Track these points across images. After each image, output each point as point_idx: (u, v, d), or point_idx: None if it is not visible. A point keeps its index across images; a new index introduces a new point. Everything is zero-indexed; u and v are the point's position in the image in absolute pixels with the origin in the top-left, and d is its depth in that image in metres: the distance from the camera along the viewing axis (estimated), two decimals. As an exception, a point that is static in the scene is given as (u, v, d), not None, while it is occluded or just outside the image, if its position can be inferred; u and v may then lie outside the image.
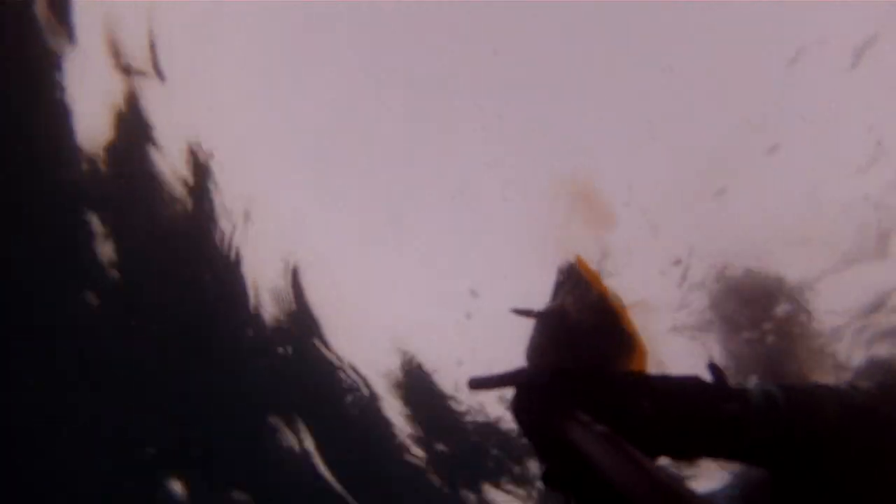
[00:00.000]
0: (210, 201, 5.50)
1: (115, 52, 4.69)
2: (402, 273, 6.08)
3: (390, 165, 5.66)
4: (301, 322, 6.26)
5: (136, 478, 6.93)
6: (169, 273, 5.84)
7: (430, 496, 7.22)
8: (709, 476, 5.73)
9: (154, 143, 5.16)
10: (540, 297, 1.22)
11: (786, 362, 4.63)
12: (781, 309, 4.57)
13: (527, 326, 1.16)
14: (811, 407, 1.01)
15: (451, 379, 6.21)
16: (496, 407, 6.33)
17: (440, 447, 6.78)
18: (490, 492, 6.95)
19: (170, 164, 5.27)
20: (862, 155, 4.26)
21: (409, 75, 5.25)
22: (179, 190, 5.42)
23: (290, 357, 6.53)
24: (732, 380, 1.02)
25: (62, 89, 4.66)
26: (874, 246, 4.34)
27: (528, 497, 6.84)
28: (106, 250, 5.59)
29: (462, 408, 6.43)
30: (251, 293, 6.05)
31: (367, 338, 6.24)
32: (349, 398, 6.68)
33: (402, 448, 6.88)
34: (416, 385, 6.42)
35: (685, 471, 5.23)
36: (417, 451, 6.88)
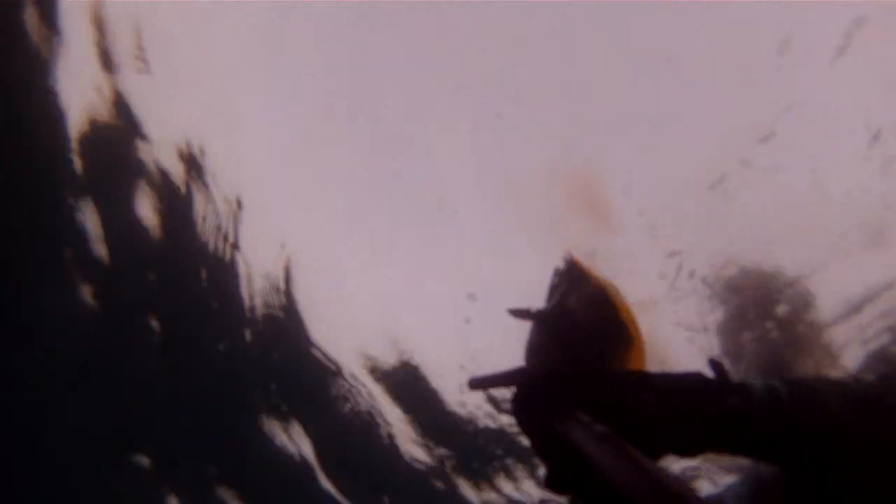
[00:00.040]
0: (202, 198, 5.52)
1: (104, 50, 4.71)
2: (399, 276, 6.07)
3: (385, 166, 5.67)
4: (294, 321, 6.28)
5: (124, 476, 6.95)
6: (160, 270, 5.87)
7: (429, 498, 7.21)
8: (717, 476, 5.73)
9: (144, 138, 5.17)
10: (537, 298, 1.21)
11: (787, 356, 4.62)
12: (782, 298, 4.57)
13: (526, 327, 1.16)
14: (815, 400, 1.00)
15: (452, 383, 6.20)
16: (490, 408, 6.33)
17: (441, 450, 6.74)
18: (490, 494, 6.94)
19: (160, 159, 5.29)
20: (859, 141, 4.27)
21: (409, 73, 5.25)
22: (170, 185, 5.43)
23: (284, 358, 6.55)
24: (735, 376, 1.02)
25: (52, 90, 4.68)
26: (874, 235, 4.34)
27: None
28: (98, 247, 5.61)
29: (464, 412, 6.41)
30: (245, 293, 6.08)
31: (365, 340, 6.27)
32: (347, 405, 6.66)
33: (402, 450, 6.86)
34: (414, 389, 6.44)
35: (693, 471, 5.22)
36: (418, 453, 6.85)
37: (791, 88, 4.36)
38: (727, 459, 4.70)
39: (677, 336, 4.93)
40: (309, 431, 6.95)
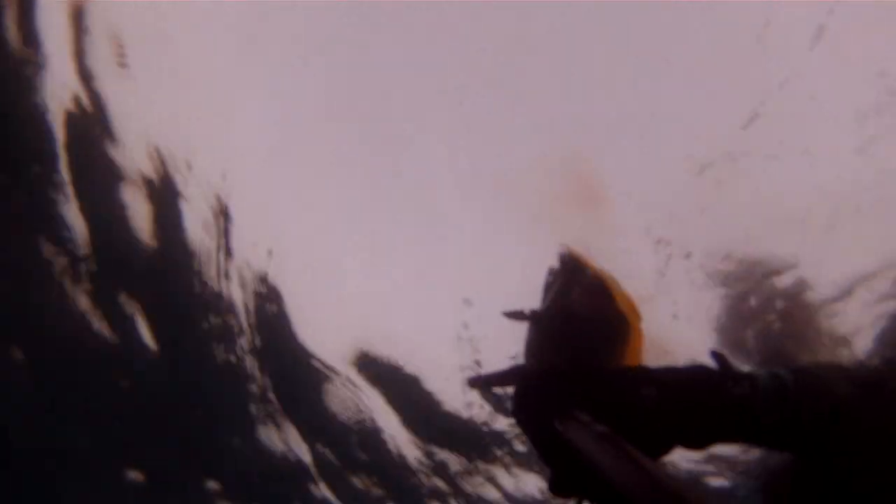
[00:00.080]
0: (183, 197, 5.51)
1: (80, 53, 4.69)
2: (395, 275, 6.03)
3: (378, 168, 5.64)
4: (285, 325, 6.27)
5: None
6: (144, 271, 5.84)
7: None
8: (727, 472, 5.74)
9: (116, 140, 5.16)
10: (533, 298, 1.19)
11: (789, 344, 4.64)
12: (780, 283, 4.58)
13: (524, 328, 1.14)
14: (820, 387, 1.01)
15: (449, 383, 6.20)
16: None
17: (437, 450, 6.75)
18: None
19: (136, 160, 5.27)
20: (844, 123, 4.28)
21: (399, 70, 5.22)
22: (149, 182, 5.41)
23: (278, 363, 6.54)
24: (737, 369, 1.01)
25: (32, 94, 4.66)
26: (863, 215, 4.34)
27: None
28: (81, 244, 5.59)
29: (465, 414, 6.42)
30: (232, 295, 6.06)
31: (358, 342, 6.24)
32: (343, 408, 6.66)
33: (402, 454, 6.86)
34: (409, 390, 6.42)
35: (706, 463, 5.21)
36: (417, 455, 6.86)
37: (771, 75, 4.37)
38: (737, 455, 4.72)
39: (676, 329, 4.94)
40: (304, 434, 6.93)
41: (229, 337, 6.36)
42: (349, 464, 7.07)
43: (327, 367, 6.42)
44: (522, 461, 6.59)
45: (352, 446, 6.93)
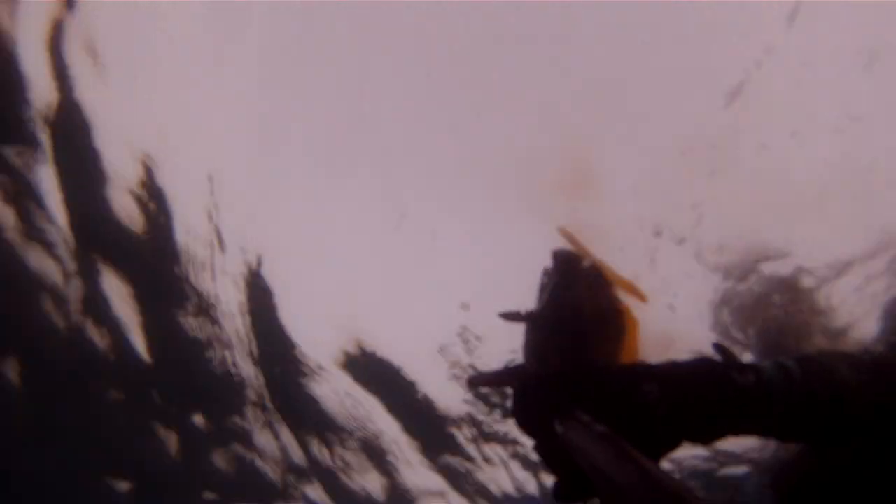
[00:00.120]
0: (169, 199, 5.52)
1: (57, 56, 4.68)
2: (391, 279, 6.03)
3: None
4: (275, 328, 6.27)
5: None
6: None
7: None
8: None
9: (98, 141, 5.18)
10: (530, 296, 1.18)
11: (789, 332, 4.63)
12: (774, 269, 4.56)
13: (522, 328, 1.12)
14: (827, 375, 1.00)
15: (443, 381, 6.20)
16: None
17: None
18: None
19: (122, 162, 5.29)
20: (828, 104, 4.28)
21: (404, 69, 5.20)
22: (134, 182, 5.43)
23: (271, 367, 6.54)
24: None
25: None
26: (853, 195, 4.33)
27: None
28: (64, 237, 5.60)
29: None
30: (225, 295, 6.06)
31: (344, 342, 6.23)
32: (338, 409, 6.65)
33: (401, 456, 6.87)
34: (400, 389, 6.41)
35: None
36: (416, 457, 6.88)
37: (749, 56, 4.35)
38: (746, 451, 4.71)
39: (675, 321, 4.93)
40: (300, 438, 6.94)
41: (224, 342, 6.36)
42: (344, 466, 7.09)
43: (318, 366, 6.42)
44: (522, 460, 6.60)
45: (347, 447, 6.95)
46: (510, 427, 6.25)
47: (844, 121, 4.31)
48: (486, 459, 6.65)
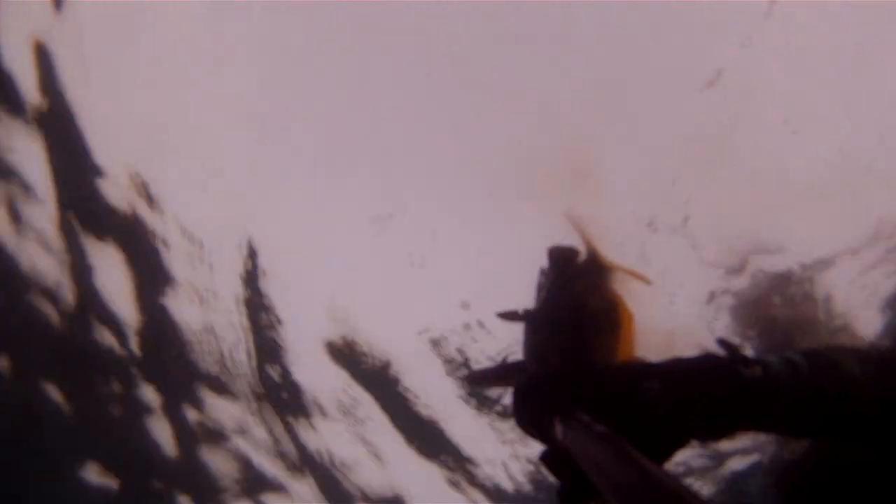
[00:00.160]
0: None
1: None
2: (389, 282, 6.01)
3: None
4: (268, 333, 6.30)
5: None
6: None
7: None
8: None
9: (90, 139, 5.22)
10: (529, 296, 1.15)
11: (790, 325, 4.63)
12: (772, 262, 4.57)
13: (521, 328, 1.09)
14: (834, 369, 0.98)
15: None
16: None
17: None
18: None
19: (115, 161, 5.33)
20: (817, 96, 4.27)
21: (404, 67, 5.19)
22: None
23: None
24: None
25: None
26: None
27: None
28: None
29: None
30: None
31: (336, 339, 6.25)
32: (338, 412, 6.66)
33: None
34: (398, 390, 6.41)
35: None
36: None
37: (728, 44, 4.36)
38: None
39: (672, 317, 4.93)
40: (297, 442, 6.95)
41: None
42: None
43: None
44: (518, 458, 6.61)
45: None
46: (509, 424, 6.26)
47: (836, 112, 4.32)
48: (483, 456, 6.67)
